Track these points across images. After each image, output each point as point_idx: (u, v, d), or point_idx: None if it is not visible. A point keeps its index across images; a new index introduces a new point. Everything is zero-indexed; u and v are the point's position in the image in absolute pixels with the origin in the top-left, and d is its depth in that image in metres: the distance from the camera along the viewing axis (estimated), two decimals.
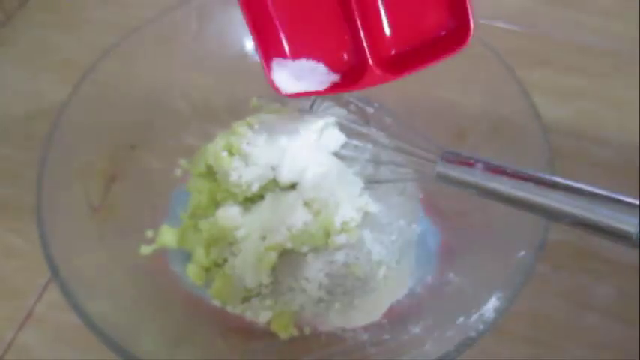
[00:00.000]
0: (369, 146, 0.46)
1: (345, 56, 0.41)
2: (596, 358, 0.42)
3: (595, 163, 0.52)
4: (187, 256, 0.43)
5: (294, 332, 0.40)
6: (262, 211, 0.43)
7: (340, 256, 0.42)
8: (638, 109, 0.54)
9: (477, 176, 0.35)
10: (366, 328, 0.40)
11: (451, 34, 0.38)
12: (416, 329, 0.38)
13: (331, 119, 0.45)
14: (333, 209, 0.41)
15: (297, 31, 0.41)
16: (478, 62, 0.44)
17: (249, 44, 0.51)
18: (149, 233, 0.44)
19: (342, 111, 0.50)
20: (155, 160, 0.47)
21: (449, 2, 0.37)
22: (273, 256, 0.41)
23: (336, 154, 0.45)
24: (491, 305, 0.33)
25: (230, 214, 0.42)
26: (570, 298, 0.45)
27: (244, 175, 0.42)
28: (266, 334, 0.40)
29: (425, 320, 0.38)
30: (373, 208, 0.43)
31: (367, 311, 0.41)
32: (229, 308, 0.41)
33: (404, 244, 0.44)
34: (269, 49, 0.41)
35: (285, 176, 0.42)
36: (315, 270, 0.41)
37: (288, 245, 0.41)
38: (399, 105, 0.46)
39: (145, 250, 0.42)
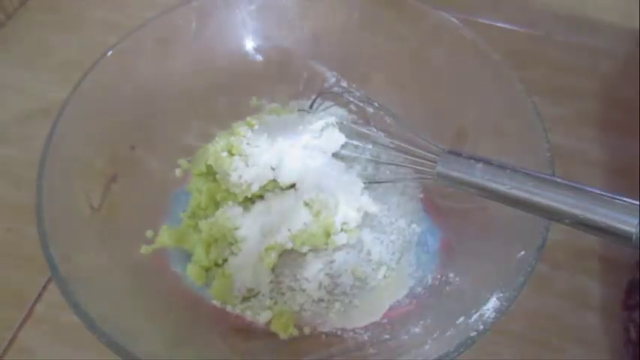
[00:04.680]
0: (369, 146, 0.46)
1: None
2: (595, 358, 0.42)
3: (595, 163, 0.52)
4: (187, 256, 0.43)
5: (294, 332, 0.40)
6: (262, 211, 0.43)
7: (340, 256, 0.42)
8: (638, 109, 0.54)
9: (477, 176, 0.35)
10: (366, 328, 0.40)
11: None
12: (416, 329, 0.38)
13: (331, 119, 0.45)
14: (333, 209, 0.41)
15: None
16: (478, 62, 0.44)
17: (249, 44, 0.52)
18: (149, 233, 0.44)
19: (342, 111, 0.50)
20: (155, 160, 0.47)
21: None
22: (273, 256, 0.41)
23: (336, 154, 0.45)
24: (491, 305, 0.33)
25: (230, 214, 0.42)
26: (570, 298, 0.45)
27: (244, 175, 0.42)
28: (266, 334, 0.40)
29: (425, 320, 0.38)
30: (373, 208, 0.43)
31: (367, 311, 0.41)
32: (229, 308, 0.41)
33: (404, 244, 0.44)
34: None
35: (285, 176, 0.42)
36: (315, 270, 0.41)
37: (288, 245, 0.41)
38: (399, 105, 0.46)
39: (145, 250, 0.42)
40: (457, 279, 0.40)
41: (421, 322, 0.38)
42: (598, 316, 0.44)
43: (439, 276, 0.42)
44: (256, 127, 0.45)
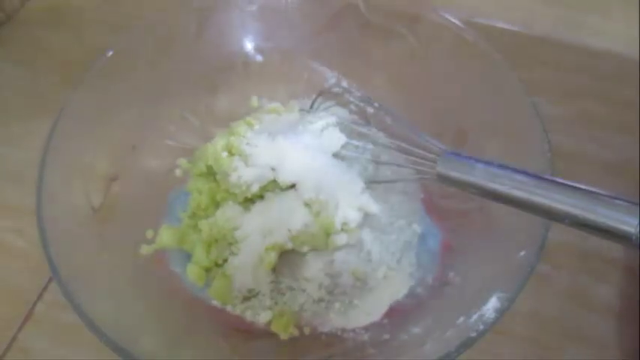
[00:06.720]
0: (370, 146, 0.46)
1: None
2: (596, 358, 0.42)
3: (595, 163, 0.52)
4: (187, 257, 0.43)
5: (294, 332, 0.40)
6: (262, 211, 0.43)
7: (340, 256, 0.42)
8: (638, 109, 0.54)
9: (477, 176, 0.35)
10: (366, 328, 0.40)
11: None
12: (416, 329, 0.38)
13: (331, 119, 0.45)
14: (333, 209, 0.41)
15: None
16: (478, 62, 0.44)
17: (249, 44, 0.52)
18: (149, 233, 0.44)
19: (343, 111, 0.50)
20: (155, 160, 0.47)
21: None
22: (273, 256, 0.41)
23: (337, 154, 0.45)
24: (491, 305, 0.33)
25: (230, 214, 0.42)
26: (570, 298, 0.45)
27: (244, 175, 0.42)
28: (266, 334, 0.40)
29: (425, 320, 0.38)
30: (373, 208, 0.43)
31: (367, 311, 0.41)
32: (229, 308, 0.41)
33: (404, 244, 0.44)
34: None
35: (285, 176, 0.42)
36: (315, 270, 0.41)
37: (289, 245, 0.41)
38: (399, 105, 0.46)
39: (145, 250, 0.42)
40: (457, 279, 0.40)
41: (421, 322, 0.38)
42: (598, 316, 0.44)
43: (439, 276, 0.42)
44: (256, 126, 0.45)
